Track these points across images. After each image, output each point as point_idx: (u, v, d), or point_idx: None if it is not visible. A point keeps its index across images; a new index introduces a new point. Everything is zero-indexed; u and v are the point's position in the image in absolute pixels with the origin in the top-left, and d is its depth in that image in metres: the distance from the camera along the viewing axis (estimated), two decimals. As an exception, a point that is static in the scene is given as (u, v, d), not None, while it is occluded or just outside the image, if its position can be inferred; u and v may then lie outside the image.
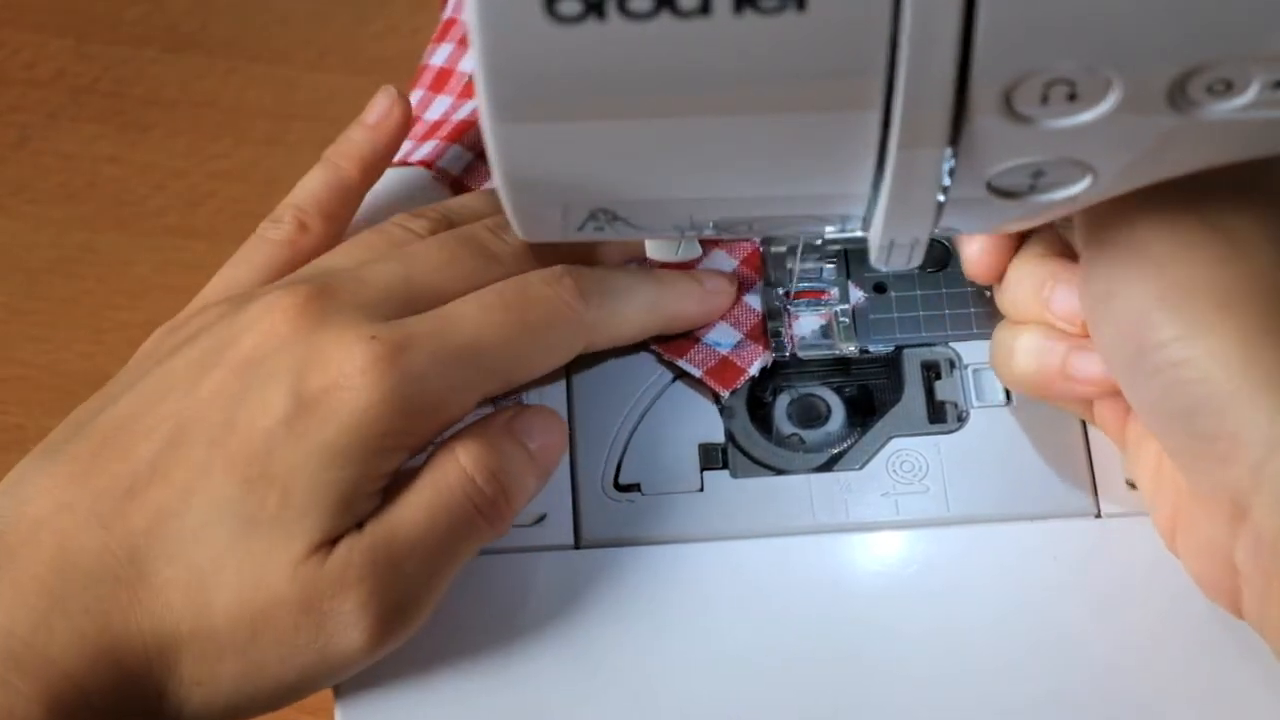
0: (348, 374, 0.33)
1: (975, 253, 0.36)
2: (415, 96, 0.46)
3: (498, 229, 0.38)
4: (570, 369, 0.40)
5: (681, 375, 0.40)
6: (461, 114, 0.45)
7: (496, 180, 0.27)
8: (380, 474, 0.34)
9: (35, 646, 0.31)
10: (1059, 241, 0.36)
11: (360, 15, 0.58)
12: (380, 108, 0.41)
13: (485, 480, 0.35)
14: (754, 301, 0.41)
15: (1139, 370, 0.31)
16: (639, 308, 0.39)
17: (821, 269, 0.41)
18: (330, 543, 0.33)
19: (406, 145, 0.44)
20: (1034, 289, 0.35)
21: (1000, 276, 0.36)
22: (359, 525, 0.34)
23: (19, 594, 0.32)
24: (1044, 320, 0.35)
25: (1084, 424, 0.39)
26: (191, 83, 0.57)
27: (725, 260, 0.42)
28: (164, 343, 0.37)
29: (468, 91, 0.45)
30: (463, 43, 0.46)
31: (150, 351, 0.37)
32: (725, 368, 0.40)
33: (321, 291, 0.35)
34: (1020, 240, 0.36)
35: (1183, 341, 0.29)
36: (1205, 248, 0.30)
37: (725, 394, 0.40)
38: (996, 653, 0.37)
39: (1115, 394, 0.35)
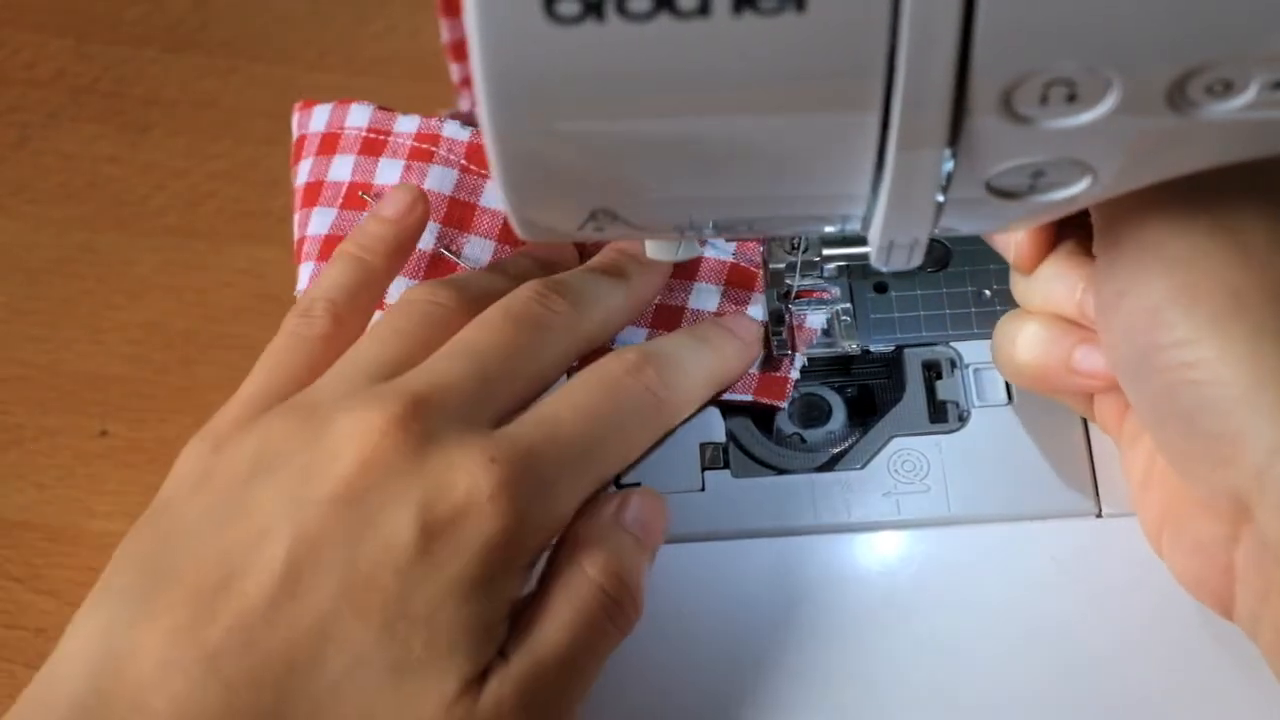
0: (477, 502, 0.31)
1: (1023, 243, 0.35)
2: (296, 217, 0.45)
3: (544, 298, 0.37)
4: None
5: None
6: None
7: (496, 180, 0.27)
8: (513, 596, 0.33)
9: None
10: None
11: (360, 15, 0.58)
12: (402, 203, 0.39)
13: (615, 589, 0.34)
14: (757, 311, 0.41)
15: (1146, 368, 0.31)
16: (704, 383, 0.38)
17: (822, 268, 0.41)
18: (478, 677, 0.32)
19: (311, 268, 0.43)
20: (1068, 289, 0.34)
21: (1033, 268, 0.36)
22: (501, 653, 0.32)
23: None
24: (1075, 318, 0.35)
25: (1085, 424, 0.39)
26: (191, 83, 0.57)
27: (724, 250, 0.42)
28: (219, 463, 0.34)
29: (352, 201, 0.44)
30: (321, 152, 0.45)
31: (201, 472, 0.34)
32: (768, 383, 0.40)
33: (414, 408, 0.33)
34: (1055, 232, 0.36)
35: (1193, 342, 0.29)
36: (1219, 251, 0.30)
37: (784, 405, 0.40)
38: (997, 651, 0.37)
39: (1115, 389, 0.35)
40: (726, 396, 0.40)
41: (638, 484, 0.39)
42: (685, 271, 0.42)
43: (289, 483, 0.32)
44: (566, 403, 0.35)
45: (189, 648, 0.30)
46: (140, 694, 0.30)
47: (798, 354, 0.41)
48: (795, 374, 0.41)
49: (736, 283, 0.42)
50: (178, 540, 0.32)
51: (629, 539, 0.35)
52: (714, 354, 0.39)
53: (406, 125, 0.44)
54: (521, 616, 0.33)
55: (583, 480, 0.34)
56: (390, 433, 0.32)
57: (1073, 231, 0.36)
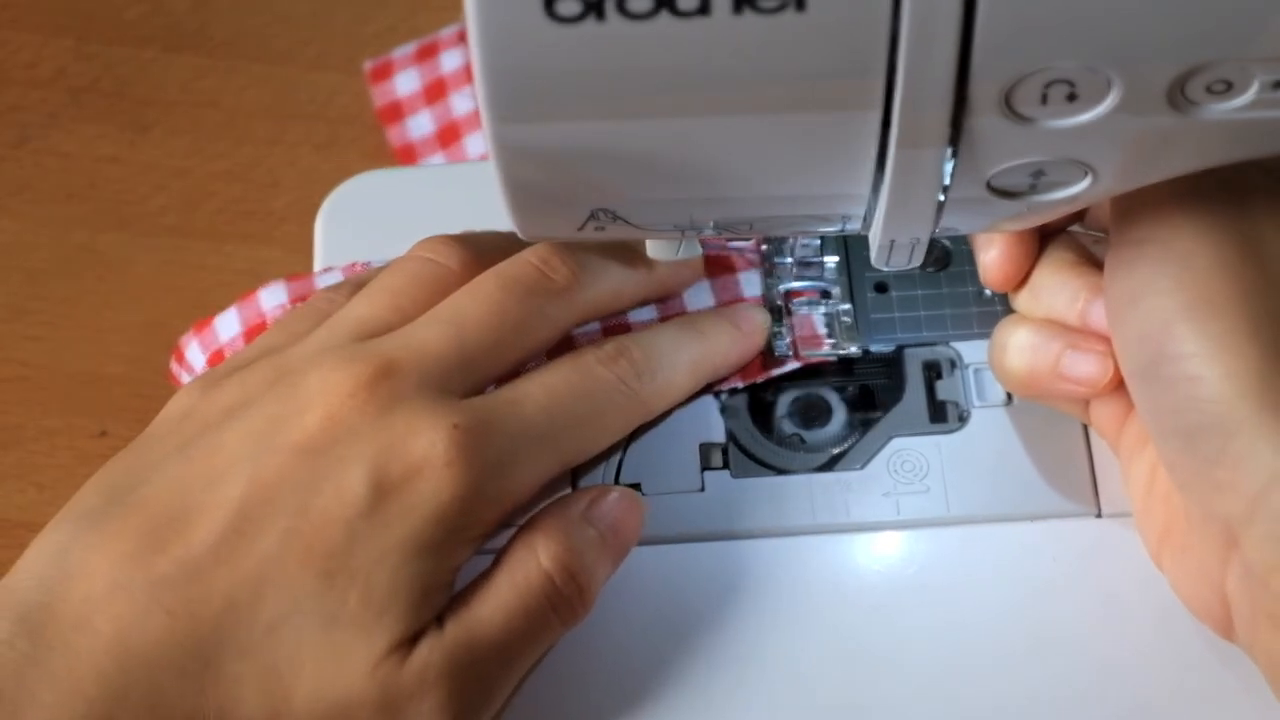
0: (432, 465, 0.32)
1: (993, 261, 0.35)
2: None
3: (544, 263, 0.37)
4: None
5: None
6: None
7: (496, 180, 0.27)
8: (457, 564, 0.33)
9: None
10: (1082, 247, 0.35)
11: (360, 15, 0.58)
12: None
13: (564, 581, 0.34)
14: (754, 288, 0.41)
15: (1153, 378, 0.30)
16: (688, 373, 0.38)
17: (823, 266, 0.41)
18: (410, 640, 0.32)
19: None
20: (1070, 299, 0.34)
21: (1018, 286, 0.36)
22: (437, 620, 0.33)
23: (77, 685, 0.30)
24: (1077, 327, 0.34)
25: (1085, 424, 0.39)
26: (191, 83, 0.57)
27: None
28: (202, 404, 0.35)
29: None
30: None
31: (184, 412, 0.35)
32: (803, 342, 0.41)
33: (384, 370, 0.33)
34: (1037, 246, 0.36)
35: (1201, 358, 0.29)
36: (1243, 269, 0.29)
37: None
38: (997, 652, 0.37)
39: (1109, 396, 0.34)
40: (776, 372, 0.40)
41: (638, 484, 0.39)
42: None
43: (256, 430, 0.33)
44: (538, 382, 0.35)
45: (137, 573, 0.31)
46: (85, 612, 0.31)
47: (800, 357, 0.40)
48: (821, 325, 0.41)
49: (722, 270, 0.41)
50: (145, 471, 0.33)
51: (593, 535, 0.35)
52: (701, 344, 0.39)
53: (328, 277, 0.42)
54: (465, 591, 0.34)
55: (544, 460, 0.34)
56: (357, 393, 0.33)
57: (1064, 240, 0.36)
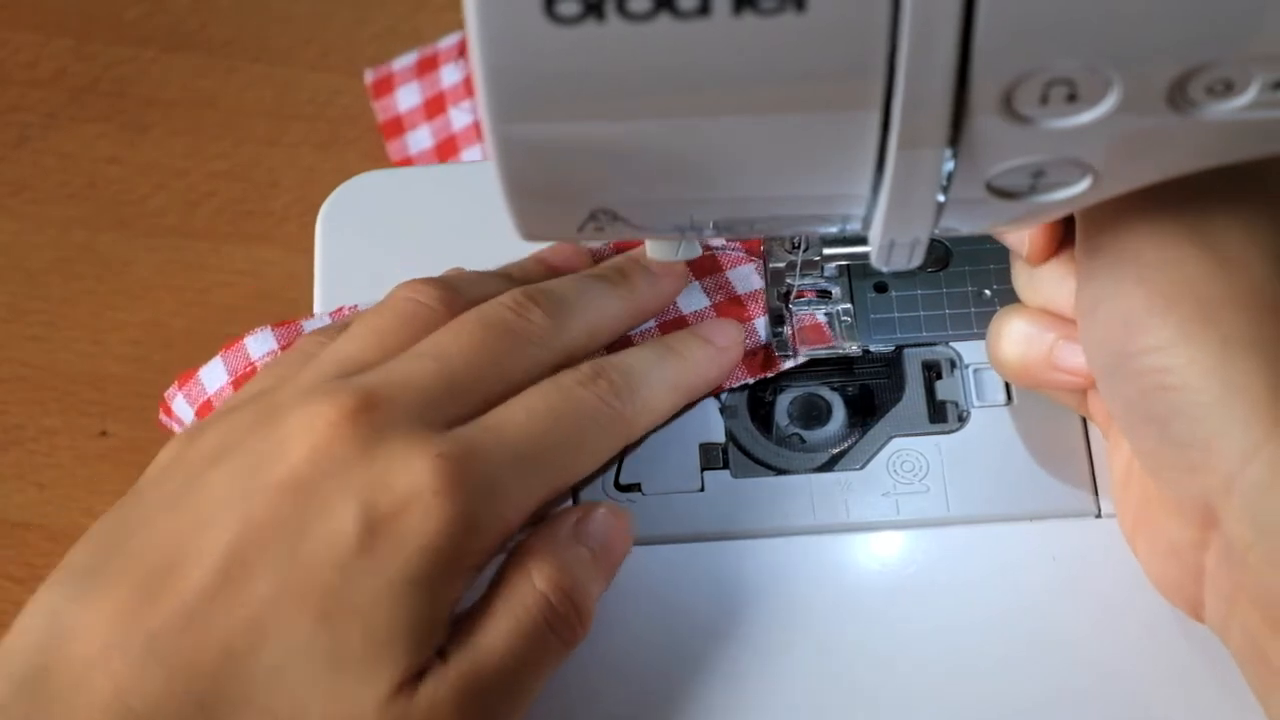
0: (421, 496, 0.31)
1: (1037, 236, 0.35)
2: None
3: (520, 308, 0.37)
4: None
5: None
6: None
7: (496, 180, 0.27)
8: (455, 596, 0.33)
9: None
10: None
11: (360, 15, 0.58)
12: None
13: (560, 601, 0.34)
14: (753, 281, 0.41)
15: (1120, 373, 0.31)
16: (667, 391, 0.38)
17: (823, 267, 0.41)
18: (415, 676, 0.32)
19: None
20: (1065, 291, 0.35)
21: (1053, 254, 0.35)
22: (439, 653, 0.32)
23: None
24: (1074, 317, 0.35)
25: (1084, 424, 0.39)
26: (191, 83, 0.57)
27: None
28: (190, 452, 0.34)
29: None
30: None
31: (174, 460, 0.35)
32: (809, 334, 0.41)
33: (368, 403, 0.33)
34: (1065, 228, 0.35)
35: (1165, 349, 0.30)
36: (1193, 259, 0.30)
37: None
38: (996, 652, 0.37)
39: None
40: (784, 368, 0.40)
41: (638, 484, 0.39)
42: None
43: (240, 471, 0.32)
44: (520, 407, 0.35)
45: (131, 629, 0.31)
46: (83, 672, 0.30)
47: (799, 355, 0.41)
48: (822, 316, 0.41)
49: (712, 269, 0.41)
50: (134, 524, 0.33)
51: (584, 554, 0.35)
52: (679, 363, 0.38)
53: (315, 322, 0.42)
54: (464, 620, 0.33)
55: (533, 485, 0.34)
56: (339, 425, 0.32)
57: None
